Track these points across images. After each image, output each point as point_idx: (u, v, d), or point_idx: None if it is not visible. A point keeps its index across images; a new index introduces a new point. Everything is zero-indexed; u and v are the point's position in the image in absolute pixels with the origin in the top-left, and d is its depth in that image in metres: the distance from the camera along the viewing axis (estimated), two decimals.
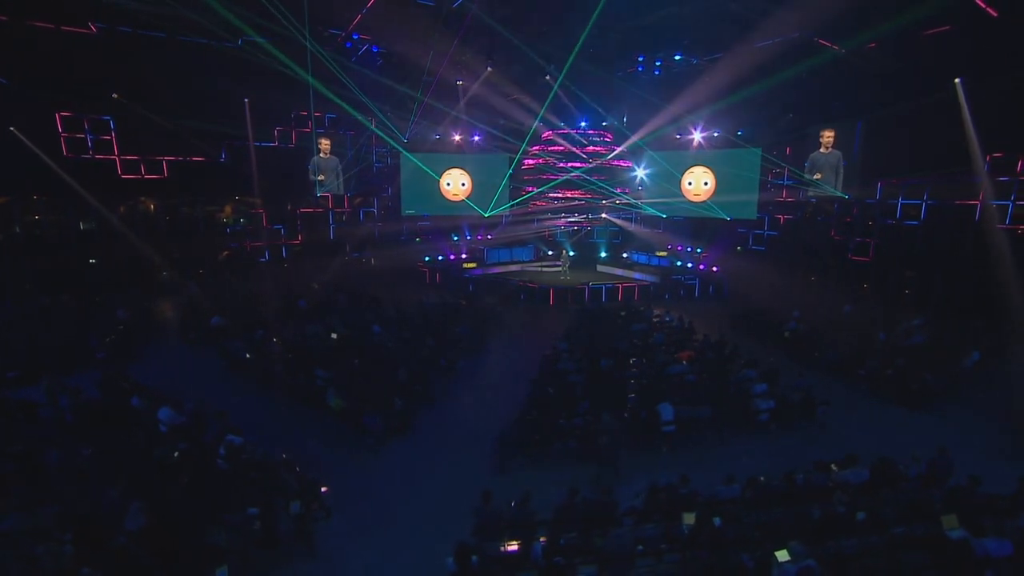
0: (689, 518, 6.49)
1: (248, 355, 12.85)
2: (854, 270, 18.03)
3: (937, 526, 6.44)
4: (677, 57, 13.56)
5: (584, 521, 6.56)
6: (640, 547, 6.30)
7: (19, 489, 7.23)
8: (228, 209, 23.43)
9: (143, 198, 21.51)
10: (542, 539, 6.35)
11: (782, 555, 5.92)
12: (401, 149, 22.89)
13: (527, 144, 24.05)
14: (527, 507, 6.65)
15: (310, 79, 14.67)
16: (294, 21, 13.32)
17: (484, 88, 17.84)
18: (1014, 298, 14.20)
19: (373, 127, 23.86)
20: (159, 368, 13.16)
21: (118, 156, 19.99)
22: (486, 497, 6.62)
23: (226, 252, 23.19)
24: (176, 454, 7.93)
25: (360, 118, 21.09)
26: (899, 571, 6.16)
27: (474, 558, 5.65)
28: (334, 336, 14.26)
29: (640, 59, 15.75)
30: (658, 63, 16.01)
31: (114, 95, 17.89)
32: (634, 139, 21.59)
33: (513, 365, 14.02)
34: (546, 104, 15.46)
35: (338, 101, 17.26)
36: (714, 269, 21.34)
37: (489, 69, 14.18)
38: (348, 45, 14.40)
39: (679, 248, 23.44)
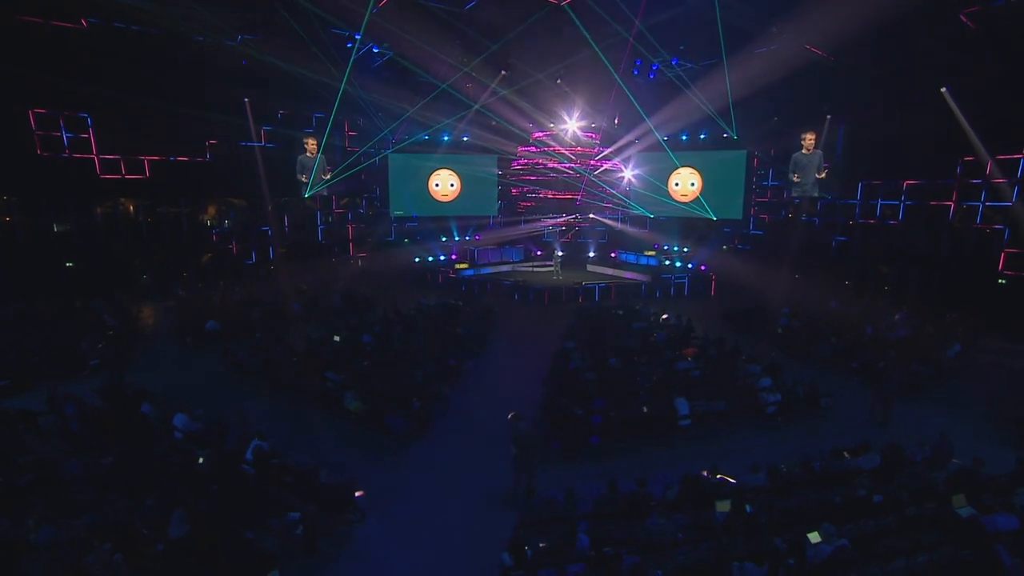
0: (723, 506, 6.79)
1: (253, 359, 12.62)
2: (836, 267, 18.89)
3: (947, 506, 6.94)
4: (675, 62, 13.97)
5: (623, 513, 6.79)
6: (680, 535, 6.57)
7: (41, 500, 7.00)
8: (212, 210, 22.80)
9: (123, 199, 20.76)
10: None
11: (814, 537, 6.28)
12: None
13: (518, 145, 24.36)
14: (573, 501, 6.83)
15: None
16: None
17: (478, 89, 17.92)
18: (984, 294, 15.22)
19: (362, 126, 23.66)
20: (158, 374, 12.79)
21: (96, 155, 19.24)
22: (530, 493, 6.78)
23: (208, 255, 22.57)
24: (201, 460, 7.79)
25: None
26: (917, 549, 6.60)
27: (528, 551, 5.80)
28: (337, 339, 14.14)
29: (638, 63, 16.18)
30: (655, 67, 16.48)
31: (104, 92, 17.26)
32: (624, 141, 22.08)
33: (518, 364, 14.19)
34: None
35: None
36: (702, 268, 21.99)
37: (503, 73, 14.29)
38: (349, 45, 14.29)
39: (665, 248, 24.06)
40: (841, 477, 7.77)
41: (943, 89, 13.17)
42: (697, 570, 6.10)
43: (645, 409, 9.58)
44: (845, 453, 8.15)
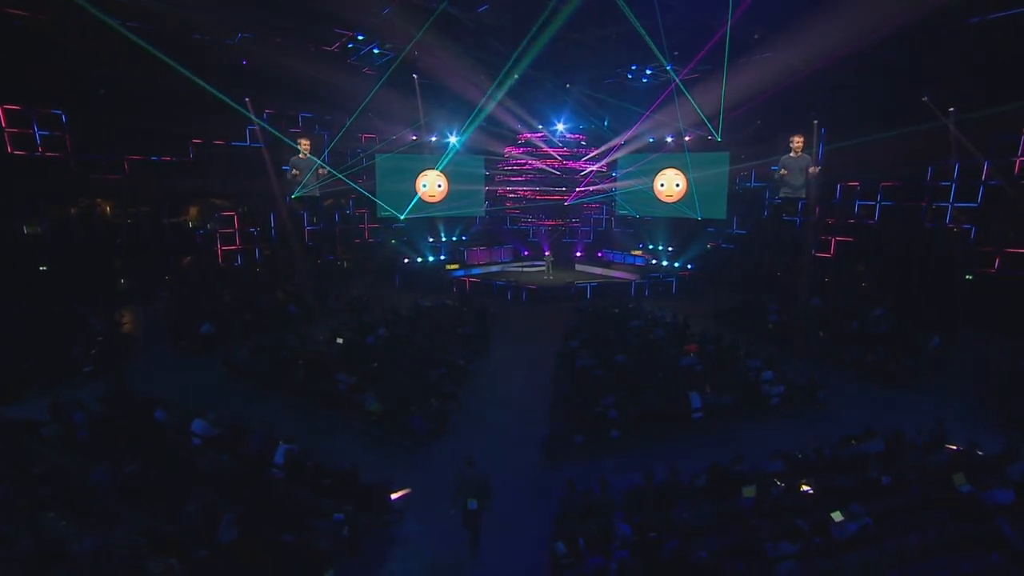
0: (750, 491, 7.18)
1: (258, 362, 12.43)
2: (816, 265, 19.81)
3: (949, 485, 7.52)
4: (668, 68, 14.47)
5: (658, 501, 7.10)
6: (708, 520, 6.92)
7: (66, 510, 6.80)
8: (194, 211, 22.12)
9: (100, 199, 19.94)
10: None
11: (836, 516, 6.73)
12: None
13: (504, 145, 24.58)
14: (609, 491, 7.09)
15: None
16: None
17: (472, 89, 18.00)
18: (956, 289, 16.27)
19: (349, 126, 23.36)
20: (157, 379, 12.40)
21: (72, 154, 18.45)
22: (571, 486, 7.01)
23: (188, 258, 21.90)
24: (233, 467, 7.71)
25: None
26: (926, 524, 7.14)
27: (580, 540, 6.02)
28: (340, 340, 14.04)
29: (633, 67, 16.61)
30: (648, 71, 16.97)
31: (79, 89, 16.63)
32: (613, 143, 22.56)
33: (521, 363, 14.38)
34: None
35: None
36: (688, 267, 22.70)
37: (516, 76, 14.45)
38: (351, 45, 14.17)
39: (650, 247, 24.71)
40: (850, 462, 8.30)
41: (924, 98, 14.09)
42: (733, 551, 6.45)
43: (661, 404, 9.93)
44: (852, 440, 8.68)
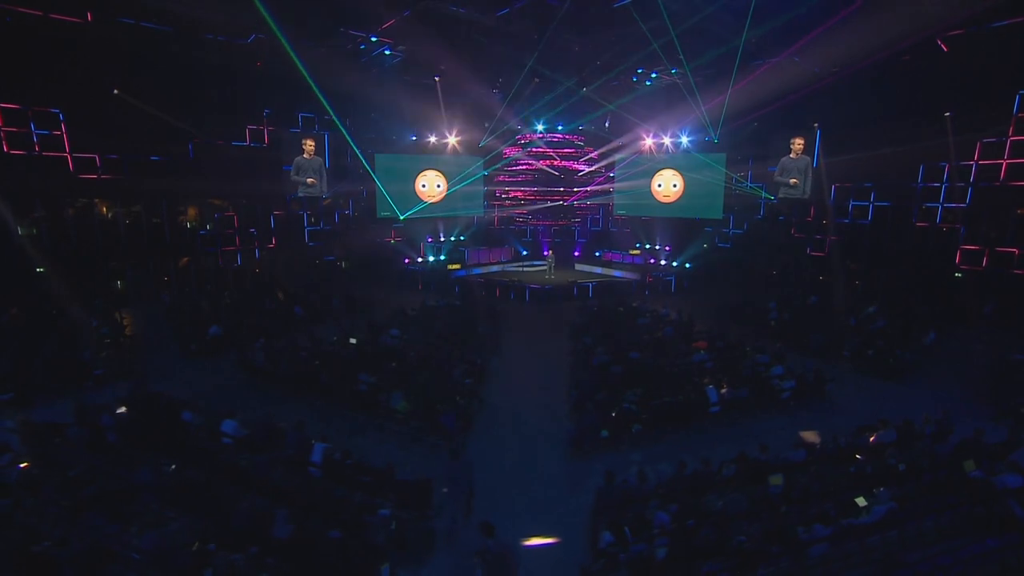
0: (776, 479, 7.51)
1: (278, 364, 12.44)
2: (811, 264, 20.42)
3: (959, 470, 7.95)
4: (673, 71, 14.80)
5: (690, 490, 7.40)
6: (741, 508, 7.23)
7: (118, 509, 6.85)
8: (193, 211, 21.88)
9: (97, 199, 19.63)
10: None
11: (861, 501, 7.10)
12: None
13: (503, 145, 24.82)
14: (646, 482, 7.36)
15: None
16: None
17: (474, 90, 18.20)
18: (944, 287, 16.94)
19: (348, 126, 23.33)
20: (172, 382, 12.34)
21: (70, 153, 18.16)
22: (609, 477, 7.26)
23: (186, 259, 21.67)
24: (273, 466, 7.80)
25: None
26: (942, 508, 7.55)
27: (626, 529, 6.27)
28: (353, 341, 14.11)
29: (639, 71, 16.95)
30: (653, 75, 17.34)
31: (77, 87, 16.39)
32: (612, 144, 22.91)
33: (534, 361, 14.61)
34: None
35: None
36: (686, 266, 23.16)
37: (536, 80, 14.61)
38: (363, 47, 14.21)
39: (647, 247, 25.15)
40: (866, 451, 8.70)
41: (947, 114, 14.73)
42: (767, 536, 6.76)
43: (681, 398, 10.26)
44: (867, 431, 9.09)
